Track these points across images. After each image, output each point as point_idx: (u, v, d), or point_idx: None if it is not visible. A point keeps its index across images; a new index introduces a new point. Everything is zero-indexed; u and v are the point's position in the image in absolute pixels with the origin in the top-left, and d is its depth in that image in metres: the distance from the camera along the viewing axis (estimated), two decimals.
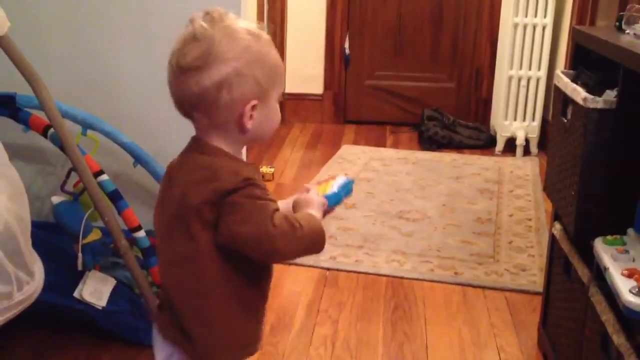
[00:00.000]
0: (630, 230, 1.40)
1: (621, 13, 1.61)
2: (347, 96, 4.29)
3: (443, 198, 3.06)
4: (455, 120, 4.00)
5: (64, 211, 1.80)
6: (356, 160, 3.56)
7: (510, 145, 3.74)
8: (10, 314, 1.32)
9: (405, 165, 3.51)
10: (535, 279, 2.32)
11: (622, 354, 1.19)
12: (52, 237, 1.84)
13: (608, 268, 1.28)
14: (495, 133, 3.84)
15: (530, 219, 2.84)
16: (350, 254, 2.49)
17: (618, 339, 1.22)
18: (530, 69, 3.63)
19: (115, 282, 1.84)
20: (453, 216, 2.86)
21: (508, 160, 3.64)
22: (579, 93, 1.50)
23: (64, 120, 1.66)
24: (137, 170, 1.93)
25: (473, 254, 2.52)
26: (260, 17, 3.84)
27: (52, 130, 1.70)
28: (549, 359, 1.79)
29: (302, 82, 4.13)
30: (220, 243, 1.05)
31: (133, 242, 1.79)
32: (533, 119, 3.69)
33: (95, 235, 1.83)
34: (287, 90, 3.96)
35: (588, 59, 1.65)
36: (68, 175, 1.82)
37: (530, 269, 2.40)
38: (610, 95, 1.46)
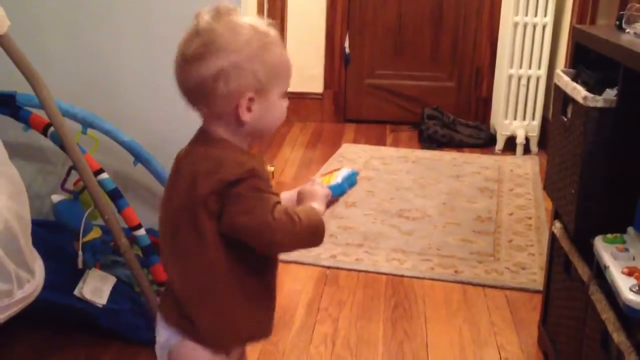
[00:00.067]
0: (630, 229, 1.40)
1: (621, 12, 1.61)
2: (347, 95, 4.29)
3: (443, 197, 3.06)
4: (455, 119, 4.00)
5: (64, 209, 1.81)
6: (356, 159, 3.56)
7: (510, 144, 3.74)
8: (10, 312, 1.33)
9: (405, 164, 3.51)
10: (535, 277, 2.32)
11: (622, 352, 1.19)
12: (53, 235, 1.84)
13: (608, 266, 1.28)
14: (495, 132, 3.84)
15: (530, 218, 2.84)
16: (351, 252, 2.49)
17: (618, 337, 1.22)
18: (530, 67, 3.63)
19: (115, 280, 1.84)
20: (453, 215, 2.86)
21: (508, 159, 3.64)
22: (579, 92, 1.50)
23: (64, 119, 1.66)
24: (137, 169, 1.93)
25: (473, 252, 2.52)
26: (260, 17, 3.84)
27: (52, 128, 1.70)
28: (549, 357, 1.79)
29: (302, 81, 4.12)
30: (224, 232, 1.08)
31: (133, 240, 1.79)
32: (533, 118, 3.69)
33: (95, 234, 1.83)
34: (288, 89, 3.96)
35: (588, 58, 1.65)
36: (68, 174, 1.82)
37: (530, 268, 2.40)
38: (611, 94, 1.46)
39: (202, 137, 1.13)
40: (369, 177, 3.28)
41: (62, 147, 1.67)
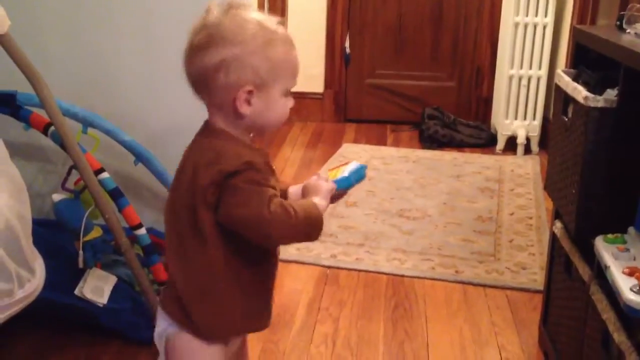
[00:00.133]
0: (631, 229, 1.40)
1: (622, 12, 1.61)
2: (347, 95, 4.29)
3: (444, 196, 3.06)
4: (455, 119, 4.00)
5: (65, 209, 1.81)
6: (357, 159, 3.54)
7: (511, 144, 3.74)
8: (11, 312, 1.32)
9: (405, 164, 3.51)
10: (536, 277, 2.32)
11: (623, 352, 1.19)
12: (53, 234, 1.84)
13: (609, 266, 1.28)
14: (496, 132, 3.84)
15: (531, 218, 2.84)
16: (351, 252, 2.50)
17: (619, 337, 1.22)
18: (531, 68, 3.63)
19: (116, 279, 1.84)
20: (454, 215, 2.86)
21: (509, 158, 3.64)
22: (579, 92, 1.50)
23: (64, 118, 1.66)
24: (138, 168, 1.93)
25: (474, 252, 2.52)
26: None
27: (52, 128, 1.70)
28: (550, 357, 1.79)
29: (302, 81, 4.03)
30: (221, 223, 1.09)
31: (134, 239, 1.79)
32: (534, 118, 3.69)
33: (96, 233, 1.83)
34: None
35: (589, 58, 1.65)
36: (69, 173, 1.82)
37: (531, 267, 2.40)
38: (611, 94, 1.46)
39: (205, 129, 1.16)
40: (369, 177, 3.27)
41: (63, 146, 1.67)
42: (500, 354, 1.90)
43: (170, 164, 1.76)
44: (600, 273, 1.35)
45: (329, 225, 2.70)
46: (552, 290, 1.82)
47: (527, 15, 3.56)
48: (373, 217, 2.81)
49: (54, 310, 1.82)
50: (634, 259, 1.30)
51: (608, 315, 1.29)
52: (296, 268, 2.37)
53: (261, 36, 1.09)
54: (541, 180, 3.25)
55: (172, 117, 1.99)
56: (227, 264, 1.13)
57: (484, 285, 2.28)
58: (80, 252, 1.79)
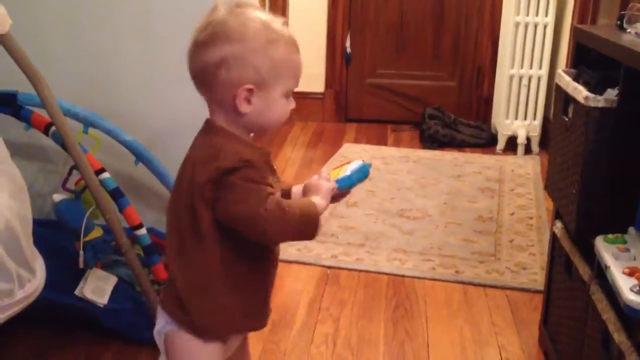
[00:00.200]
0: (631, 229, 1.40)
1: (622, 12, 1.61)
2: (348, 95, 4.29)
3: (444, 196, 3.06)
4: (456, 118, 4.00)
5: (66, 209, 1.81)
6: (357, 159, 3.54)
7: (511, 144, 3.74)
8: (11, 312, 1.32)
9: (406, 164, 3.51)
10: (536, 277, 2.32)
11: (623, 352, 1.19)
12: (54, 234, 1.84)
13: (609, 266, 1.28)
14: (497, 132, 3.84)
15: (531, 218, 2.84)
16: (352, 252, 2.50)
17: (619, 337, 1.22)
18: (531, 67, 3.63)
19: (116, 279, 1.84)
20: (454, 214, 2.86)
21: (509, 158, 3.64)
22: (580, 92, 1.50)
23: (65, 118, 1.66)
24: (139, 168, 1.93)
25: (474, 252, 2.52)
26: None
27: (53, 128, 1.70)
28: (550, 357, 1.79)
29: (303, 80, 4.04)
30: (219, 220, 1.10)
31: (134, 240, 1.79)
32: (534, 118, 3.69)
33: (96, 233, 1.83)
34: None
35: (589, 58, 1.65)
36: (69, 173, 1.82)
37: (531, 268, 2.40)
38: (612, 94, 1.46)
39: (205, 126, 1.16)
40: (370, 176, 3.26)
41: (64, 146, 1.67)
42: (500, 354, 1.90)
43: (171, 164, 1.77)
44: (601, 273, 1.35)
45: (330, 225, 2.70)
46: (552, 290, 1.82)
47: (527, 15, 3.56)
48: (373, 217, 2.81)
49: (55, 310, 1.82)
50: (634, 259, 1.30)
51: (608, 316, 1.29)
52: (297, 268, 2.37)
53: (264, 35, 1.10)
54: (541, 180, 3.25)
55: (173, 117, 1.99)
56: (224, 262, 1.13)
57: (485, 286, 2.28)
58: (81, 252, 1.79)
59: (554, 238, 1.79)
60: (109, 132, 1.88)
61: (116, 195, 1.77)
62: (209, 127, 1.15)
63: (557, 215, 1.76)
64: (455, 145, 3.85)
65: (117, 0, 1.97)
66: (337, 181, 1.21)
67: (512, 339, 1.98)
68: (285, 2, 4.08)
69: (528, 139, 3.70)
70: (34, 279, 1.38)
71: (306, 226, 1.12)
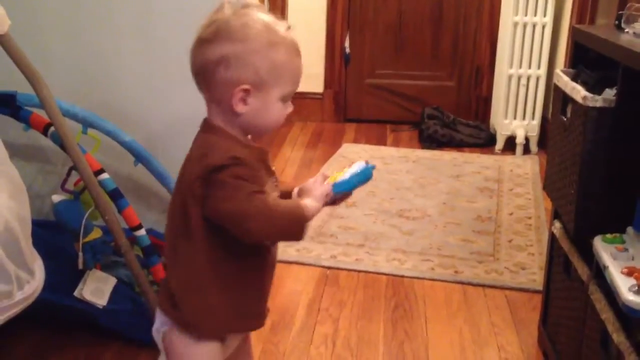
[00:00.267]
0: (629, 229, 1.41)
1: (620, 12, 1.61)
2: (347, 95, 4.29)
3: (443, 196, 3.07)
4: (455, 118, 4.00)
5: (65, 210, 1.81)
6: (357, 159, 3.52)
7: (510, 144, 3.74)
8: (10, 313, 1.33)
9: (405, 164, 3.51)
10: (535, 277, 2.32)
11: (622, 352, 1.19)
12: (53, 236, 1.84)
13: (607, 266, 1.29)
14: (495, 131, 3.84)
15: (530, 218, 2.84)
16: (351, 252, 2.50)
17: (618, 337, 1.22)
18: (530, 67, 3.63)
19: (115, 281, 1.84)
20: (453, 214, 2.86)
21: (508, 158, 3.64)
22: (578, 92, 1.50)
23: (64, 119, 1.66)
24: (138, 169, 1.94)
25: (473, 252, 2.52)
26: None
27: (52, 128, 1.70)
28: (549, 357, 1.80)
29: (302, 80, 4.09)
30: (209, 217, 1.11)
31: (134, 240, 1.79)
32: (533, 118, 3.69)
33: (95, 234, 1.84)
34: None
35: (588, 58, 1.65)
36: (69, 174, 1.82)
37: (530, 268, 2.40)
38: (610, 93, 1.46)
39: (203, 125, 1.17)
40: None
41: (63, 147, 1.67)
42: (499, 354, 1.90)
43: (170, 165, 1.77)
44: (599, 273, 1.35)
45: (329, 225, 2.70)
46: (551, 290, 1.83)
47: (526, 15, 3.56)
48: (373, 217, 2.81)
49: (54, 311, 1.82)
50: (633, 259, 1.30)
51: (607, 315, 1.29)
52: (296, 269, 2.37)
53: (266, 37, 1.10)
54: (540, 180, 3.25)
55: (173, 117, 1.99)
56: (213, 260, 1.14)
57: (484, 286, 2.28)
58: (80, 253, 1.80)
59: (552, 238, 1.79)
60: (108, 133, 1.88)
61: (115, 196, 1.77)
62: (206, 126, 1.16)
63: (556, 215, 1.76)
64: (454, 145, 3.85)
65: (117, 0, 1.97)
66: (335, 185, 1.20)
67: (511, 339, 1.98)
68: (285, 2, 4.08)
69: (527, 139, 3.70)
70: (33, 281, 1.38)
71: (292, 227, 1.13)
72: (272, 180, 1.18)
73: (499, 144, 3.77)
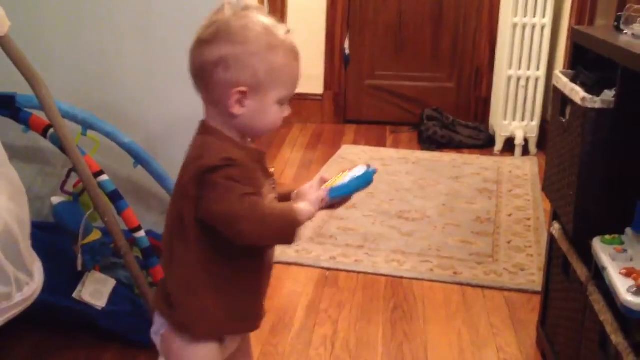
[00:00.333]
0: (628, 230, 1.41)
1: (620, 13, 1.62)
2: (347, 96, 4.29)
3: (442, 198, 3.07)
4: (454, 120, 4.00)
5: (64, 211, 1.81)
6: (356, 160, 3.56)
7: (509, 145, 3.74)
8: (9, 315, 1.32)
9: (405, 165, 3.51)
10: (534, 278, 2.32)
11: (621, 353, 1.20)
12: (52, 237, 1.84)
13: (606, 267, 1.29)
14: (495, 133, 3.84)
15: (529, 219, 2.84)
16: (350, 254, 2.50)
17: (616, 338, 1.23)
18: (529, 68, 3.64)
19: (115, 282, 1.84)
20: (452, 216, 2.87)
21: (507, 160, 3.64)
22: (577, 93, 1.50)
23: (64, 121, 1.66)
24: (137, 171, 1.94)
25: (472, 253, 2.52)
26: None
27: (52, 130, 1.70)
28: (548, 358, 1.80)
29: (302, 82, 4.10)
30: (202, 219, 1.11)
31: (133, 242, 1.79)
32: (532, 119, 3.70)
33: (95, 236, 1.83)
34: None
35: (587, 59, 1.66)
36: (68, 176, 1.82)
37: (529, 269, 2.40)
38: (609, 95, 1.46)
39: (200, 127, 1.17)
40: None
41: (62, 148, 1.67)
42: (498, 355, 1.90)
43: (170, 167, 1.77)
44: (598, 274, 1.36)
45: (329, 227, 2.70)
46: (550, 291, 1.83)
47: (525, 16, 3.57)
48: (372, 218, 2.81)
49: (53, 313, 1.82)
50: (631, 260, 1.30)
51: (605, 317, 1.29)
52: (295, 270, 2.37)
53: (265, 40, 1.10)
54: (539, 182, 3.25)
55: (173, 118, 1.99)
56: (205, 261, 1.14)
57: (483, 287, 2.28)
58: (79, 255, 1.79)
59: (551, 239, 1.79)
60: (107, 134, 1.88)
61: (115, 197, 1.77)
62: (203, 127, 1.16)
63: (555, 216, 1.76)
64: (454, 147, 3.85)
65: (117, 1, 1.98)
66: (333, 189, 1.19)
67: (510, 340, 1.98)
68: (284, 3, 4.08)
69: (526, 140, 3.71)
70: (32, 282, 1.38)
71: (284, 230, 1.12)
72: (269, 182, 1.18)
73: (498, 145, 3.77)
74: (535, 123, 3.69)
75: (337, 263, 2.42)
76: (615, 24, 1.61)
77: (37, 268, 1.43)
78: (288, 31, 1.14)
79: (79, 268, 1.79)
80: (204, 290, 1.15)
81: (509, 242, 2.62)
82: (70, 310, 1.79)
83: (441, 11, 4.15)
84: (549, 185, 1.77)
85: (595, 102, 1.44)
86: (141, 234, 1.78)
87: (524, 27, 3.58)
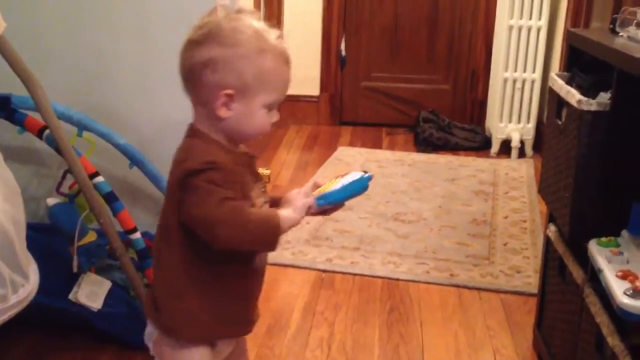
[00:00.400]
0: (624, 232, 1.41)
1: (615, 15, 1.62)
2: (343, 98, 4.29)
3: (439, 200, 3.07)
4: (450, 122, 4.00)
5: (60, 213, 1.80)
6: (352, 162, 3.56)
7: (505, 147, 3.75)
8: (5, 317, 1.32)
9: (401, 167, 3.51)
10: (530, 280, 2.32)
11: (617, 355, 1.20)
12: (48, 239, 1.84)
13: (602, 270, 1.29)
14: (491, 135, 3.85)
15: (525, 221, 2.85)
16: (346, 255, 2.50)
17: (612, 340, 1.23)
18: (525, 71, 3.64)
19: (110, 284, 1.83)
20: (448, 218, 2.87)
21: (503, 162, 3.65)
22: (573, 95, 1.50)
23: (59, 122, 1.66)
24: (133, 172, 1.93)
25: (468, 255, 2.52)
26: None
27: (47, 131, 1.70)
28: None
29: (298, 84, 4.10)
30: (184, 222, 1.11)
31: (129, 244, 1.79)
32: (528, 121, 3.70)
33: (90, 237, 1.83)
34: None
35: (582, 61, 1.66)
36: (63, 177, 1.82)
37: (525, 271, 2.40)
38: (604, 97, 1.46)
39: (188, 129, 1.17)
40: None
41: (58, 149, 1.66)
42: (494, 357, 1.90)
43: (165, 168, 1.75)
44: (594, 276, 1.36)
45: (324, 229, 2.70)
46: (546, 293, 1.83)
47: (521, 18, 3.57)
48: (368, 220, 2.81)
49: (49, 315, 1.81)
50: (627, 262, 1.30)
51: (602, 319, 1.29)
52: (292, 272, 2.37)
53: (255, 44, 1.10)
54: (535, 184, 3.25)
55: (169, 119, 1.98)
56: (189, 265, 1.14)
57: (479, 289, 2.28)
58: (75, 256, 1.79)
59: (547, 241, 1.79)
60: (103, 136, 1.88)
61: (110, 199, 1.77)
62: (191, 130, 1.16)
63: (551, 218, 1.77)
64: (450, 149, 3.85)
65: (116, 1, 1.97)
66: (325, 196, 1.17)
67: (507, 342, 1.98)
68: (281, 5, 4.09)
69: (522, 142, 3.71)
70: (27, 284, 1.37)
71: (264, 236, 1.11)
72: (258, 186, 1.17)
73: (494, 148, 3.78)
74: (531, 125, 3.70)
75: (333, 265, 2.42)
76: (611, 26, 1.61)
77: (33, 269, 1.42)
78: (280, 36, 1.13)
79: (75, 270, 1.79)
80: (187, 293, 1.15)
81: (505, 244, 2.62)
82: (66, 312, 1.78)
83: (437, 13, 4.16)
84: (545, 187, 1.77)
85: (591, 105, 1.44)
86: (137, 235, 1.78)
87: (519, 29, 3.59)
